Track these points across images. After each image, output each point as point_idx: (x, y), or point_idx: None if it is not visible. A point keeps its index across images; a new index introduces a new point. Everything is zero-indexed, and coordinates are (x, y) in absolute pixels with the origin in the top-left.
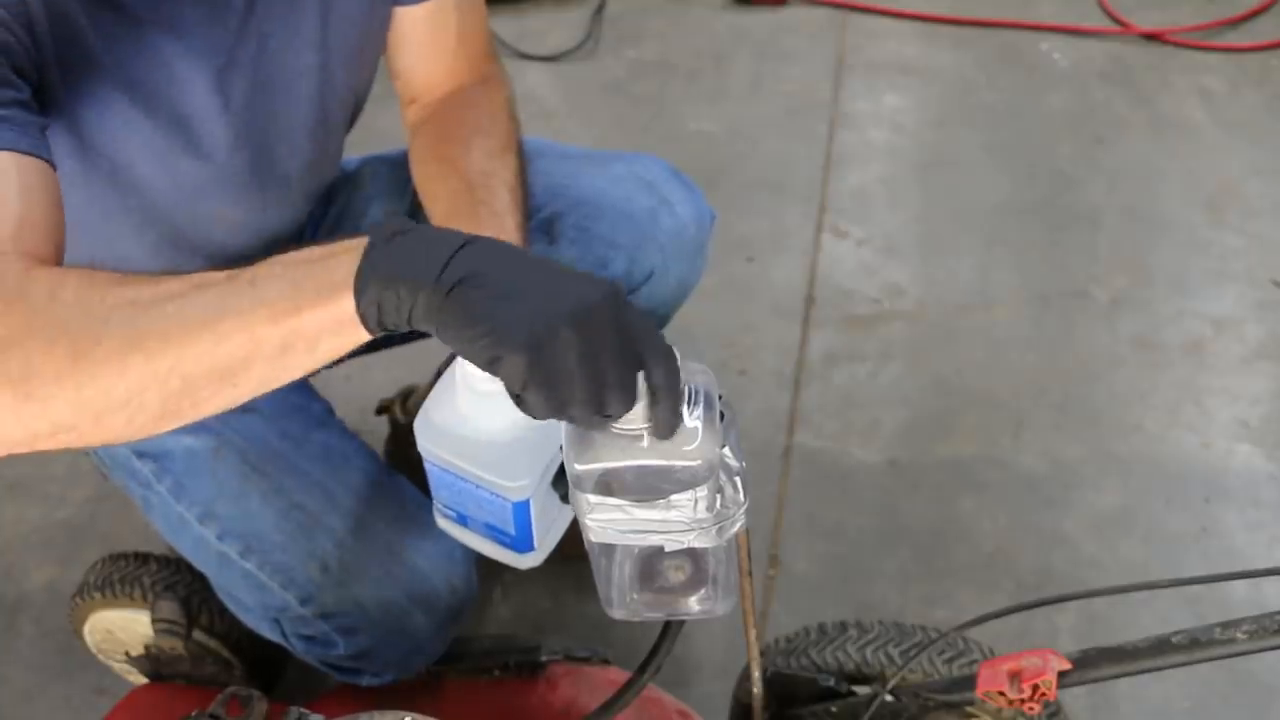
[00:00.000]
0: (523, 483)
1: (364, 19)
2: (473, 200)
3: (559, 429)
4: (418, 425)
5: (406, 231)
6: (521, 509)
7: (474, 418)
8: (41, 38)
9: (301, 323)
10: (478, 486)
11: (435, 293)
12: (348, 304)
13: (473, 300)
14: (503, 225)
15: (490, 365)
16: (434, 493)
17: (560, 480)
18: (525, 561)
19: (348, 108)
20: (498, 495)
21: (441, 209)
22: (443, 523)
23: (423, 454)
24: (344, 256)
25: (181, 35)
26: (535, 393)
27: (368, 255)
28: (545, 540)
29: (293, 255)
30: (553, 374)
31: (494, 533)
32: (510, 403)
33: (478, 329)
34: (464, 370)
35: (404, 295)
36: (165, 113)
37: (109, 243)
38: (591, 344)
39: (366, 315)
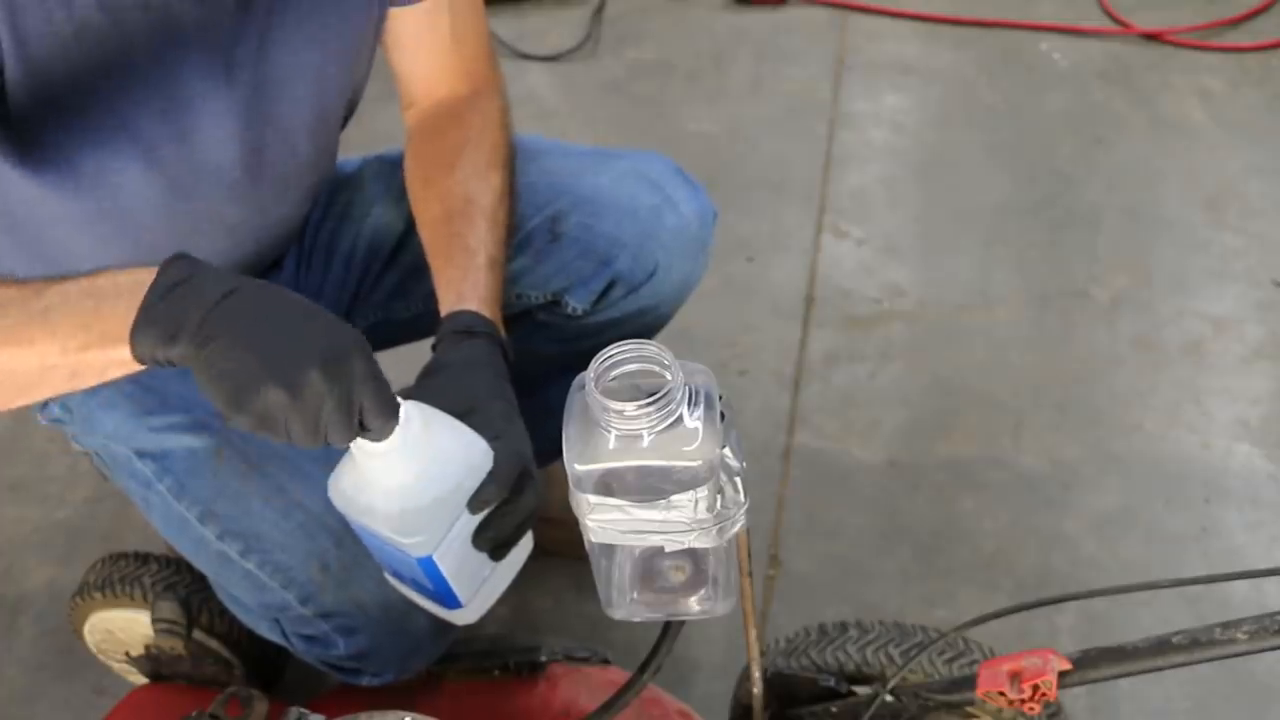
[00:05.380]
0: (419, 539)
1: (361, 18)
2: (449, 233)
3: (462, 487)
4: (330, 485)
5: (181, 282)
6: (428, 564)
7: (372, 477)
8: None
9: (89, 358)
10: (393, 545)
11: (194, 353)
12: (125, 352)
13: (215, 359)
14: (472, 262)
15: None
16: (369, 548)
17: (482, 536)
18: (457, 618)
19: (344, 106)
20: (403, 552)
21: (424, 236)
22: (388, 577)
23: (341, 512)
24: (126, 302)
25: (178, 36)
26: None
27: (144, 310)
28: (477, 597)
29: (85, 284)
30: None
31: (420, 588)
32: (402, 461)
33: (219, 387)
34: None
35: (168, 353)
36: (161, 116)
37: (107, 253)
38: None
39: (141, 361)
